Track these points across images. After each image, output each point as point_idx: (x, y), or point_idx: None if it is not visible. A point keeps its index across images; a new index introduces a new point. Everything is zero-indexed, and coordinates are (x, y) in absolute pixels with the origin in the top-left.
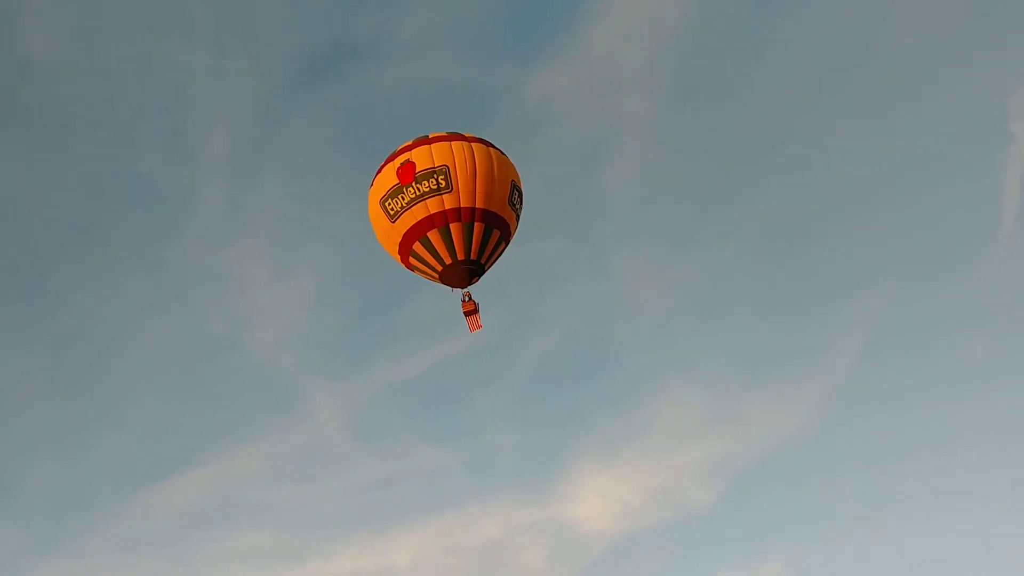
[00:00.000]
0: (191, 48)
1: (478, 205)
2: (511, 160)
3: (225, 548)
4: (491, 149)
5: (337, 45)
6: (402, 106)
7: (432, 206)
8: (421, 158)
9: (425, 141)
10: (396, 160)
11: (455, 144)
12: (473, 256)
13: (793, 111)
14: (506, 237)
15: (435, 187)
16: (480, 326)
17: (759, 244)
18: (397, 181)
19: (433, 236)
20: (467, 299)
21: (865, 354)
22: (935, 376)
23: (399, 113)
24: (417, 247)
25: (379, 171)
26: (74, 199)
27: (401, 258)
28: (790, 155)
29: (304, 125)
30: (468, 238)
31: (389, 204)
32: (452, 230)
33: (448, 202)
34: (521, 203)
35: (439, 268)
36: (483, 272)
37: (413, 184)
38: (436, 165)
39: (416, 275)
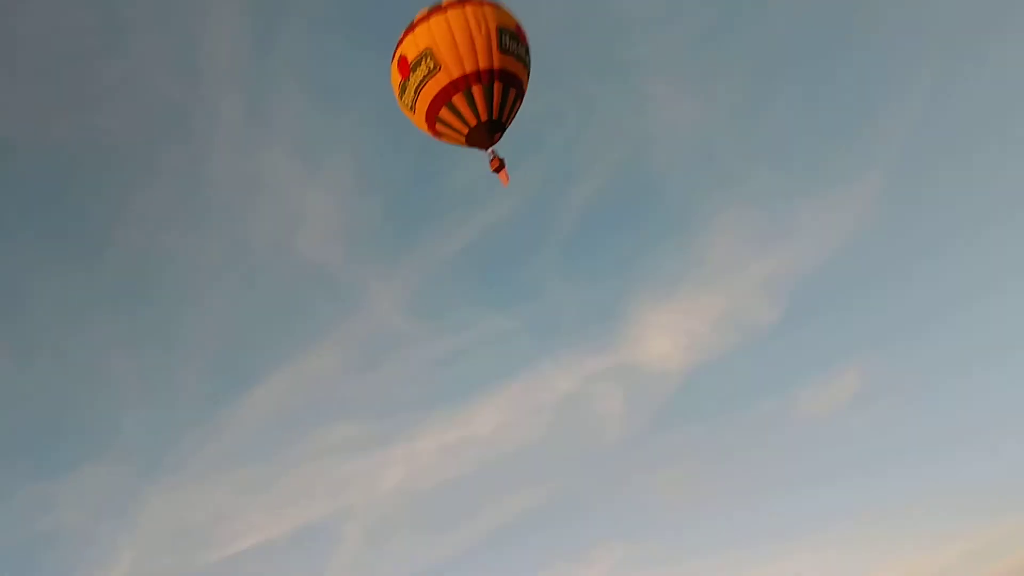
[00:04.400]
0: None
1: (468, 70)
2: (502, 7)
3: (317, 445)
4: (466, 7)
5: None
6: None
7: (433, 89)
8: (409, 48)
9: (411, 27)
10: (395, 55)
11: (432, 21)
12: (495, 116)
13: None
14: (514, 84)
15: (427, 71)
16: (508, 180)
17: (794, 38)
18: (400, 77)
19: (445, 112)
20: (492, 155)
21: (923, 129)
22: (996, 142)
23: None
24: (441, 118)
25: (392, 62)
26: (104, 131)
27: (431, 131)
28: None
29: (309, 15)
30: (475, 102)
31: (404, 99)
32: (456, 102)
33: (443, 79)
34: (520, 43)
35: (465, 131)
36: (504, 128)
37: (411, 75)
38: (421, 51)
39: (446, 143)
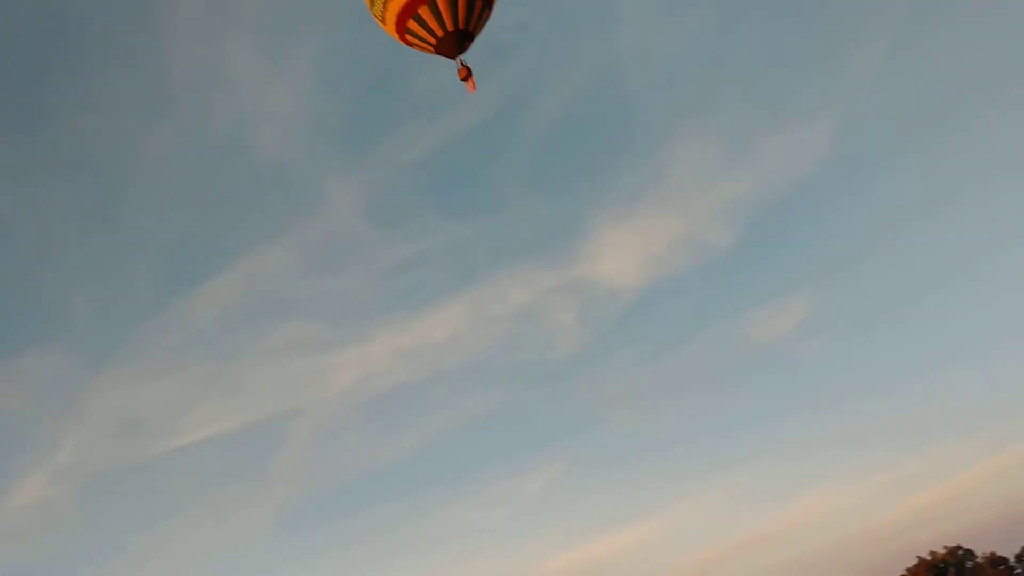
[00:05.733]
0: None
1: None
2: None
3: (268, 343)
4: None
5: None
6: None
7: (399, 0)
8: None
9: None
10: None
11: None
12: (462, 26)
13: None
14: None
15: None
16: (475, 86)
17: None
18: None
19: (413, 23)
20: (460, 64)
21: (883, 70)
22: (962, 87)
23: None
24: (410, 28)
25: None
26: (55, 14)
27: (402, 40)
28: None
29: None
30: (440, 13)
31: (375, 10)
32: (422, 13)
33: None
34: None
35: (433, 42)
36: (472, 37)
37: None
38: None
39: (417, 51)
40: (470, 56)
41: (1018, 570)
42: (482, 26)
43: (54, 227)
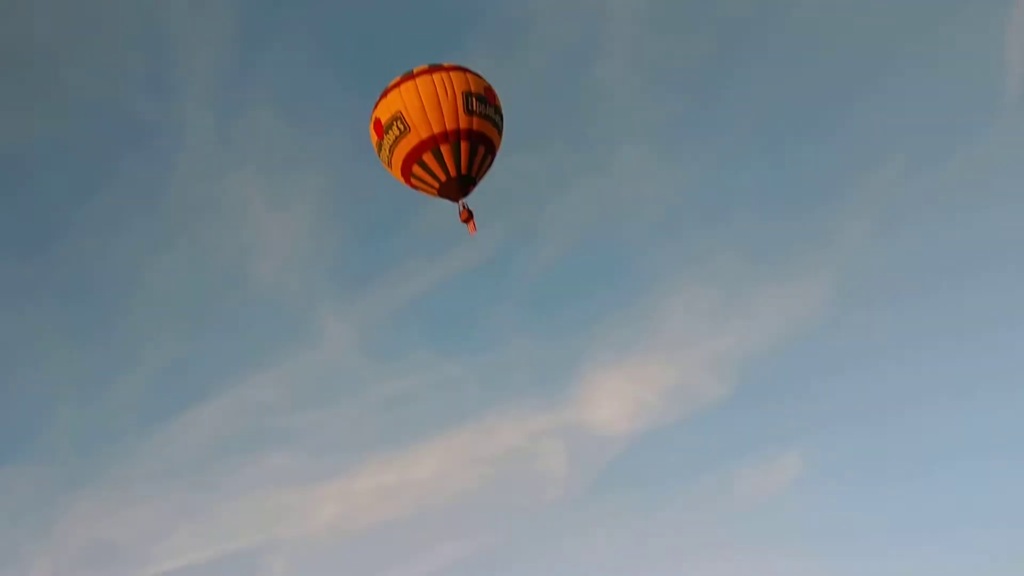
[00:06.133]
0: None
1: (435, 131)
2: (470, 73)
3: (250, 473)
4: (435, 75)
5: None
6: (385, 19)
7: (404, 148)
8: (382, 112)
9: (385, 93)
10: (372, 118)
11: (403, 87)
12: (464, 171)
13: None
14: (483, 142)
15: (399, 132)
16: (476, 229)
17: (759, 131)
18: (377, 137)
19: (417, 168)
20: (462, 207)
21: (874, 237)
22: (946, 256)
23: (383, 26)
24: (415, 173)
25: (369, 124)
26: (66, 140)
27: (407, 184)
28: (786, 35)
29: (287, 48)
30: (443, 159)
31: (382, 156)
32: (426, 159)
33: (413, 140)
34: (488, 103)
35: (436, 186)
36: (474, 182)
37: (385, 136)
38: (392, 114)
39: (422, 193)
40: (472, 200)
41: None
42: (484, 172)
43: (45, 343)
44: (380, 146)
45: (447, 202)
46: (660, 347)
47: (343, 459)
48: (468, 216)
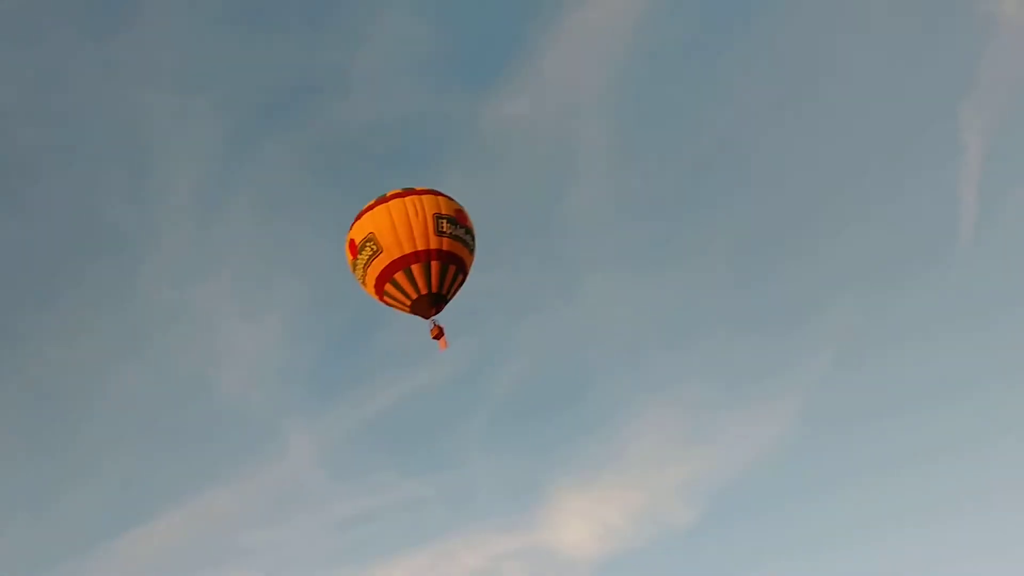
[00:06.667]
0: (152, 88)
1: (406, 251)
2: (441, 196)
3: None
4: (407, 199)
5: (297, 82)
6: (364, 140)
7: (377, 267)
8: (356, 233)
9: (360, 215)
10: (347, 239)
11: (376, 210)
12: (434, 290)
13: (747, 128)
14: (453, 262)
15: (372, 252)
16: (447, 345)
17: (725, 262)
18: (351, 257)
19: (389, 287)
20: (432, 324)
21: (838, 367)
22: (908, 385)
23: (361, 147)
24: (387, 291)
25: (345, 244)
26: (36, 246)
27: (380, 300)
28: (752, 170)
29: (266, 163)
30: (414, 278)
31: (356, 274)
32: (398, 278)
33: (385, 260)
34: (459, 224)
35: (408, 303)
36: (445, 300)
37: (359, 256)
38: (365, 235)
39: (395, 309)
40: (443, 317)
41: None
42: (456, 290)
43: None
44: (355, 265)
45: (418, 319)
46: (627, 471)
47: None
48: (439, 333)
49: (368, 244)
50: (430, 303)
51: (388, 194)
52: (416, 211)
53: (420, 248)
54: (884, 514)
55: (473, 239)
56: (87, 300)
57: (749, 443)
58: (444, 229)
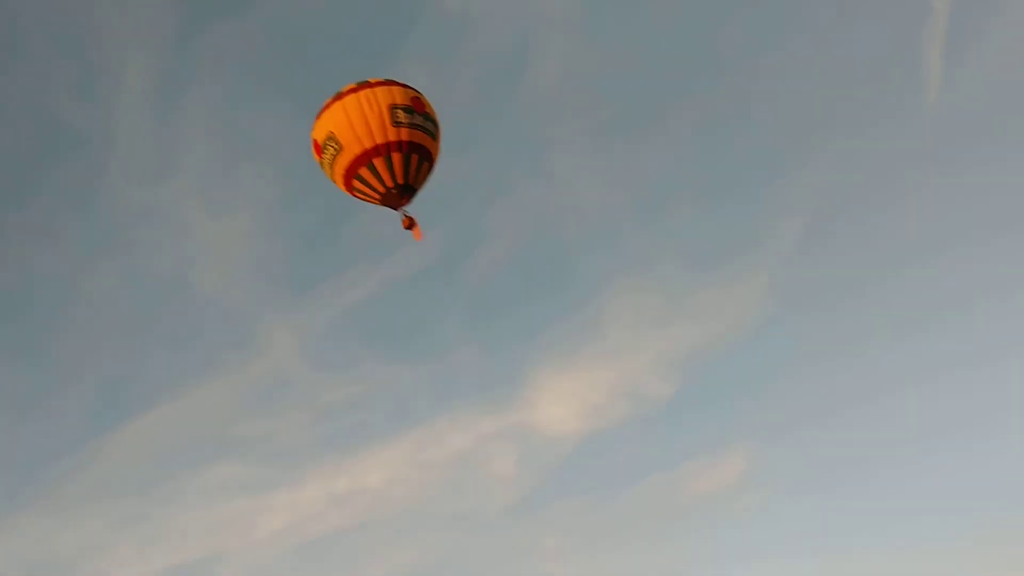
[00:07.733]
0: None
1: (367, 147)
2: (396, 85)
3: (198, 484)
4: (361, 93)
5: None
6: (323, 26)
7: (341, 165)
8: (318, 133)
9: (319, 114)
10: (311, 139)
11: (332, 108)
12: (400, 181)
13: None
14: (416, 151)
15: (335, 151)
16: (421, 235)
17: (691, 130)
18: (318, 157)
19: (356, 182)
20: (403, 215)
21: (809, 234)
22: (878, 252)
23: (321, 33)
24: (355, 186)
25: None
26: None
27: (351, 195)
28: (716, 36)
29: (222, 50)
30: (378, 172)
31: (326, 172)
32: (363, 173)
33: (348, 157)
34: (416, 112)
35: (377, 196)
36: (414, 190)
37: (324, 155)
38: (326, 135)
39: (367, 203)
40: (415, 207)
41: None
42: (424, 179)
43: None
44: (322, 164)
45: (390, 210)
46: (605, 349)
47: (290, 468)
48: (410, 223)
49: (330, 143)
50: (399, 194)
51: (343, 89)
52: (371, 104)
53: (380, 142)
54: (858, 386)
55: (436, 125)
56: (51, 206)
57: (724, 317)
58: (401, 119)
